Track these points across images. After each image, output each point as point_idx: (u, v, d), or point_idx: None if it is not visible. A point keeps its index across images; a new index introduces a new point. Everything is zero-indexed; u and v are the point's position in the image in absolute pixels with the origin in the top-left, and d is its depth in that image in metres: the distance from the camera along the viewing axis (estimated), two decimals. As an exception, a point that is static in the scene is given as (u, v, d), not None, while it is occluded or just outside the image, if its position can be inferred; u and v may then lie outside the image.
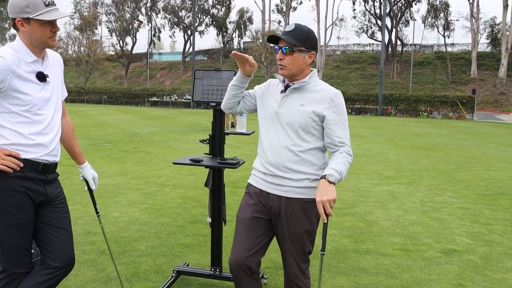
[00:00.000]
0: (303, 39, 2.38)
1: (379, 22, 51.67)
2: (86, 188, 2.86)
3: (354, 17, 58.05)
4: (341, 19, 57.51)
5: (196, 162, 3.31)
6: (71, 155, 2.74)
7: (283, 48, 2.39)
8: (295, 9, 56.06)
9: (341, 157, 2.37)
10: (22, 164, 2.26)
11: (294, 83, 2.46)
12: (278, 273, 3.88)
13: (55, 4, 2.27)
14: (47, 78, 2.35)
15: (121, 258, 4.13)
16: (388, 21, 48.94)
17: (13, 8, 2.22)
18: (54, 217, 2.45)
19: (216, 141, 3.46)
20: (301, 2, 55.87)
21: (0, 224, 2.29)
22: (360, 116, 34.46)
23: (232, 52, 2.48)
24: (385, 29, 43.55)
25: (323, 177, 2.26)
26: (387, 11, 46.81)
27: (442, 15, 52.76)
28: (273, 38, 2.45)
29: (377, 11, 52.81)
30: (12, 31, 65.63)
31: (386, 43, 48.39)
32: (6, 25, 65.39)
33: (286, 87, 2.49)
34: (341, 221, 5.47)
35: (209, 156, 3.49)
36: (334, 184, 2.24)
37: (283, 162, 2.44)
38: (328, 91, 2.44)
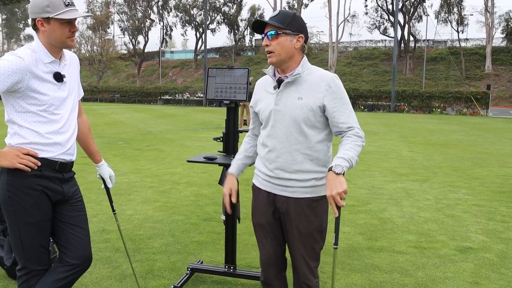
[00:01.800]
0: (288, 22, 2.27)
1: (391, 18, 51.26)
2: (102, 186, 2.88)
3: (366, 13, 57.67)
4: (353, 16, 57.04)
5: (210, 160, 3.33)
6: (88, 154, 2.76)
7: (268, 33, 2.29)
8: (306, 6, 55.94)
9: (349, 142, 2.27)
10: (39, 163, 2.29)
11: (287, 76, 2.33)
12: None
13: (74, 5, 2.30)
14: (64, 79, 2.37)
15: (136, 256, 4.16)
16: (400, 17, 48.56)
17: (34, 8, 2.25)
18: (72, 215, 2.48)
19: (229, 139, 3.46)
20: (312, -1, 55.77)
21: (19, 222, 2.32)
22: (373, 113, 34.27)
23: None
24: (398, 25, 43.20)
25: (330, 169, 2.18)
26: (400, 6, 46.41)
27: (455, 9, 52.21)
28: (257, 25, 2.35)
29: (389, 7, 52.44)
30: (27, 31, 66.44)
31: (399, 39, 48.00)
32: (21, 26, 66.15)
33: (279, 81, 2.36)
34: (354, 219, 5.45)
35: (223, 154, 3.50)
36: (343, 174, 2.16)
37: (287, 164, 2.34)
38: (323, 77, 2.30)
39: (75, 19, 2.31)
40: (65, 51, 2.46)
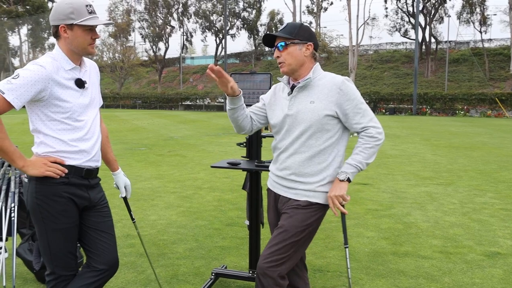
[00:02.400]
0: (296, 32, 2.40)
1: (412, 20, 50.74)
2: (120, 195, 2.92)
3: (386, 15, 57.24)
4: (373, 18, 56.88)
5: (233, 165, 3.34)
6: (105, 162, 2.80)
7: (278, 45, 2.42)
8: (326, 9, 55.89)
9: (360, 145, 2.40)
10: (67, 170, 2.33)
11: (299, 82, 2.44)
12: (316, 275, 3.87)
13: (96, 13, 2.36)
14: (85, 85, 2.41)
15: (160, 261, 4.19)
16: (421, 19, 48.06)
17: (58, 15, 2.29)
18: (98, 221, 2.52)
19: (253, 144, 3.48)
20: (332, 3, 55.75)
21: (47, 229, 2.36)
22: (395, 116, 33.93)
23: (208, 68, 2.30)
24: (419, 26, 42.77)
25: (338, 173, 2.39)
26: (420, 8, 45.95)
27: (478, 10, 51.36)
28: (268, 40, 2.48)
29: (410, 8, 51.92)
30: (51, 40, 67.76)
31: (420, 41, 47.49)
32: (45, 35, 67.52)
33: (292, 88, 2.47)
34: (378, 223, 5.40)
35: (246, 159, 3.51)
36: (348, 180, 2.36)
37: (296, 166, 2.44)
38: (334, 81, 2.40)
39: (97, 26, 2.36)
40: (85, 58, 2.50)
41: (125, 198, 2.92)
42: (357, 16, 48.83)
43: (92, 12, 2.32)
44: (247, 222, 3.62)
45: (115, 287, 3.64)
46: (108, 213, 2.59)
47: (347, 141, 2.51)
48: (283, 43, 2.40)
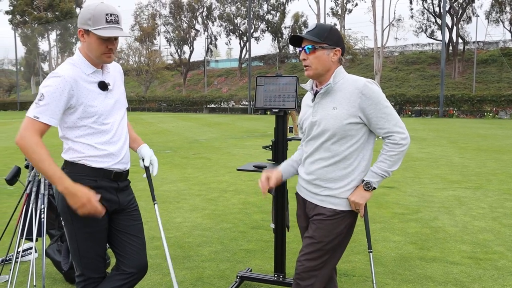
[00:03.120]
0: (325, 36, 2.33)
1: (438, 20, 49.93)
2: (144, 175, 2.80)
3: (412, 16, 56.56)
4: (398, 19, 56.11)
5: (259, 168, 3.34)
6: (130, 144, 2.71)
7: (305, 47, 2.35)
8: (350, 11, 55.34)
9: (384, 152, 2.36)
10: (103, 213, 2.32)
11: (321, 88, 2.40)
12: (341, 280, 3.83)
13: (118, 23, 2.29)
14: (108, 87, 2.40)
15: (185, 263, 4.22)
16: (448, 19, 47.21)
17: (80, 18, 2.29)
18: (128, 224, 2.53)
19: (279, 147, 3.47)
20: (356, 4, 55.14)
21: (76, 231, 2.39)
22: (421, 118, 33.43)
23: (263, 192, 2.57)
24: (445, 27, 42.07)
25: (362, 181, 2.37)
26: (447, 8, 45.20)
27: (508, 8, 50.26)
28: (295, 40, 2.42)
29: (436, 9, 51.09)
30: (78, 45, 69.10)
31: (447, 41, 46.70)
32: (73, 40, 68.89)
33: (315, 94, 2.43)
34: (405, 227, 5.32)
35: (272, 162, 3.51)
36: (373, 189, 2.37)
37: (320, 171, 2.42)
38: (356, 84, 2.32)
39: (116, 37, 2.31)
40: None
41: (148, 176, 2.78)
42: (382, 17, 48.32)
43: (111, 22, 2.25)
44: (272, 226, 3.61)
45: (142, 289, 3.67)
46: (137, 216, 2.60)
47: (373, 144, 2.46)
48: (310, 46, 2.34)
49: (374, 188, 2.37)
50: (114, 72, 2.51)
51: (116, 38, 2.32)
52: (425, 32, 53.94)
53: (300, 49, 2.39)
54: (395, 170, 2.40)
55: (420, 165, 9.97)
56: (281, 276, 3.57)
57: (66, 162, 2.41)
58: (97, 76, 2.37)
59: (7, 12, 68.13)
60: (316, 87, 2.46)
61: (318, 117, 2.39)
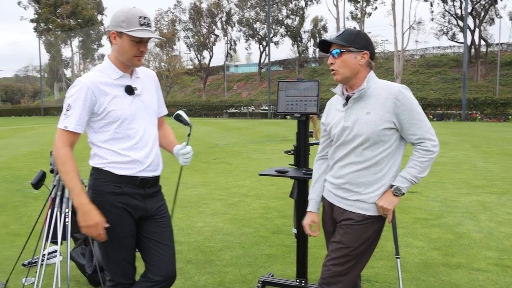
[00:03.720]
0: (352, 39, 2.33)
1: (460, 22, 49.25)
2: (185, 145, 2.69)
3: (432, 19, 55.92)
4: (419, 22, 55.10)
5: (281, 173, 3.34)
6: (166, 147, 2.75)
7: (333, 51, 2.36)
8: (370, 15, 54.92)
9: (415, 158, 2.35)
10: (104, 239, 2.35)
11: (354, 93, 2.38)
12: (364, 285, 3.80)
13: (150, 26, 2.34)
14: (135, 91, 2.40)
15: (207, 268, 4.23)
16: (470, 21, 46.52)
17: (112, 21, 2.32)
18: (156, 231, 2.50)
19: (301, 152, 3.46)
20: (376, 8, 54.70)
21: (107, 238, 2.40)
22: (443, 122, 32.98)
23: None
24: (467, 29, 41.48)
25: (391, 186, 2.36)
26: (469, 10, 44.57)
27: (532, 11, 49.28)
28: (323, 45, 2.43)
29: (458, 11, 50.40)
30: (100, 51, 70.05)
31: (469, 44, 46.02)
32: (95, 46, 69.97)
33: (347, 98, 2.42)
34: (428, 233, 5.25)
35: (294, 167, 3.50)
36: (398, 196, 2.35)
37: (350, 176, 2.40)
38: (390, 90, 2.32)
39: (147, 40, 2.35)
40: (142, 67, 2.51)
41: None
42: (402, 20, 47.99)
43: (144, 24, 2.30)
44: (294, 231, 3.60)
45: None
46: (166, 223, 2.56)
47: (403, 150, 2.44)
48: (338, 50, 2.34)
49: (403, 194, 2.35)
50: (144, 78, 2.52)
51: (147, 41, 2.35)
52: (446, 35, 53.25)
53: (329, 54, 2.39)
54: (423, 177, 2.38)
55: (442, 170, 9.83)
56: (303, 282, 3.56)
57: (92, 168, 2.42)
58: (124, 80, 2.39)
59: (32, 20, 69.60)
60: (347, 91, 2.45)
61: (350, 122, 2.37)
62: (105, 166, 2.37)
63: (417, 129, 2.32)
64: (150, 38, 2.34)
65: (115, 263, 2.44)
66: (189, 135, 2.63)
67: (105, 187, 2.36)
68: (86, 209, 2.27)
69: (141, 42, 2.33)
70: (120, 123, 2.35)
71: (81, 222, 2.29)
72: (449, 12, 51.82)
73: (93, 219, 2.28)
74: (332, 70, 2.39)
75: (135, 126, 2.39)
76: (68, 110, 2.29)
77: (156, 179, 2.52)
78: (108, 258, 2.44)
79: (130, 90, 2.39)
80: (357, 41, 2.34)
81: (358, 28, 54.74)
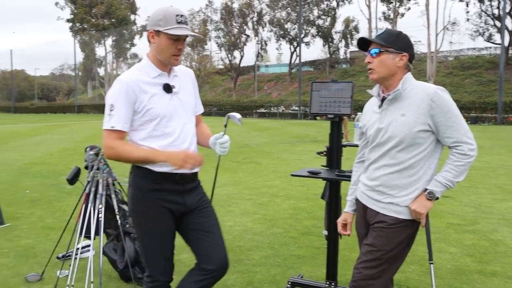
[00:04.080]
0: (392, 40, 2.31)
1: (497, 23, 47.96)
2: (222, 134, 2.66)
3: (468, 19, 54.43)
4: (454, 23, 53.94)
5: (314, 174, 3.32)
6: (204, 143, 2.74)
7: (371, 50, 2.34)
8: (403, 15, 54.01)
9: (451, 162, 2.29)
10: (203, 163, 2.37)
11: (389, 94, 2.35)
12: (395, 290, 3.74)
13: (187, 24, 2.36)
14: (173, 89, 2.43)
15: (236, 267, 4.24)
16: (508, 21, 45.25)
17: (150, 20, 2.36)
18: (201, 221, 2.51)
19: (333, 153, 3.44)
20: (409, 8, 53.80)
21: (143, 233, 2.45)
22: (477, 126, 32.20)
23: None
24: (505, 30, 40.37)
25: (425, 190, 2.31)
26: (507, 10, 43.35)
27: None
28: (362, 43, 2.40)
29: (495, 11, 49.09)
30: (133, 50, 71.23)
31: (506, 45, 44.78)
32: (128, 46, 71.19)
33: (383, 100, 2.39)
34: (461, 239, 5.13)
35: (326, 168, 3.48)
36: (432, 200, 2.30)
37: (384, 178, 2.37)
38: (426, 91, 2.27)
39: (185, 38, 2.37)
40: (179, 66, 2.53)
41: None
42: (436, 21, 47.10)
43: (181, 23, 2.32)
44: (325, 232, 3.58)
45: None
46: (209, 213, 2.57)
47: (440, 153, 2.39)
48: (376, 50, 2.32)
49: (437, 198, 2.30)
50: (183, 76, 2.55)
51: (184, 39, 2.37)
52: (482, 36, 51.92)
53: (367, 53, 2.38)
54: (459, 181, 2.32)
55: (476, 174, 9.59)
56: (333, 284, 3.53)
57: (132, 165, 2.46)
58: (162, 79, 2.42)
59: (68, 20, 71.33)
60: (383, 93, 2.42)
61: (385, 123, 2.35)
62: (144, 163, 2.40)
63: (453, 132, 2.26)
64: (187, 36, 2.36)
65: (153, 259, 2.46)
66: (225, 126, 2.62)
67: (145, 184, 2.39)
68: (169, 155, 2.32)
69: (179, 40, 2.35)
70: (158, 120, 2.37)
71: (176, 164, 2.30)
72: (485, 12, 50.52)
73: (180, 154, 2.32)
74: (369, 69, 2.37)
75: (173, 124, 2.42)
76: (112, 110, 2.32)
77: (195, 175, 2.54)
78: (147, 254, 2.47)
79: (168, 88, 2.42)
80: (397, 42, 2.31)
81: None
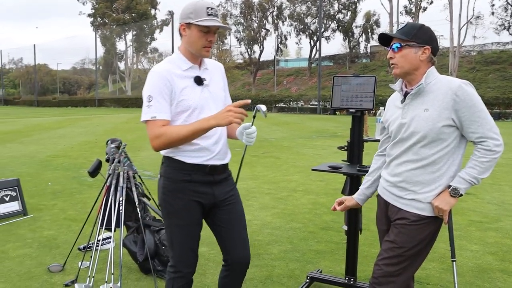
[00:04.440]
0: (414, 33, 2.25)
1: (523, 17, 46.89)
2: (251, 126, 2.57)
3: (493, 13, 53.31)
4: (478, 17, 52.89)
5: (334, 169, 3.30)
6: (232, 135, 2.71)
7: (393, 45, 2.30)
8: (425, 9, 53.17)
9: (475, 158, 2.23)
10: (247, 114, 2.33)
11: (412, 89, 2.31)
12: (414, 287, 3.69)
13: (217, 16, 2.39)
14: (204, 82, 2.47)
15: (255, 261, 4.24)
16: (534, 16, 44.14)
17: (181, 14, 2.40)
18: (225, 216, 2.55)
19: (354, 148, 3.41)
20: (431, 2, 52.87)
21: (170, 223, 2.49)
22: (500, 122, 31.62)
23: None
24: (531, 25, 39.41)
25: (449, 187, 2.26)
26: (534, 4, 42.29)
27: None
28: (384, 39, 2.37)
29: (522, 5, 48.00)
30: (153, 44, 71.75)
31: (532, 41, 43.72)
32: (148, 40, 71.67)
33: (405, 95, 2.35)
34: (483, 236, 5.05)
35: (347, 163, 3.45)
36: (456, 197, 2.26)
37: (406, 174, 2.34)
38: (450, 85, 2.21)
39: (215, 30, 2.40)
40: (208, 59, 2.57)
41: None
42: (459, 15, 46.19)
43: (211, 15, 2.35)
44: (345, 227, 3.55)
45: (212, 284, 3.73)
46: (234, 209, 2.59)
47: (464, 149, 2.33)
48: (398, 45, 2.29)
49: (461, 195, 2.25)
50: (213, 70, 2.58)
51: (215, 32, 2.40)
52: (508, 30, 50.81)
53: (389, 48, 2.34)
54: (484, 178, 2.27)
55: (499, 171, 9.42)
56: (352, 280, 3.51)
57: (164, 156, 2.51)
58: (193, 71, 2.46)
59: (89, 15, 72.12)
60: (406, 87, 2.38)
61: (408, 118, 2.31)
62: (175, 155, 2.44)
63: (478, 127, 2.20)
64: (218, 29, 2.39)
65: (179, 250, 2.50)
66: (254, 117, 2.62)
67: (176, 175, 2.44)
68: (213, 117, 2.30)
69: (209, 32, 2.38)
70: (190, 112, 2.41)
71: (226, 122, 2.28)
72: (511, 5, 49.44)
73: (223, 112, 2.29)
74: (392, 64, 2.33)
75: (204, 116, 2.43)
76: (150, 101, 2.34)
77: (225, 166, 2.57)
78: (173, 244, 2.51)
79: (199, 81, 2.45)
80: (419, 35, 2.26)
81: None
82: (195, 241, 2.53)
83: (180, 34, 2.44)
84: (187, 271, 2.54)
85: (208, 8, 2.35)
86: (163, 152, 2.49)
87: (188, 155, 2.43)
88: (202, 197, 2.47)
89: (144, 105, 2.36)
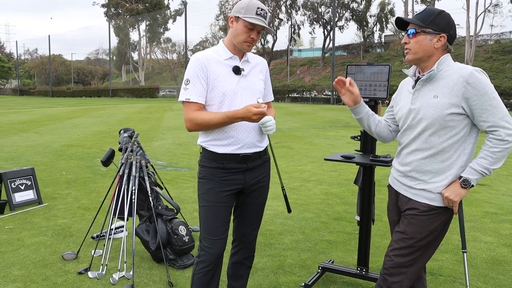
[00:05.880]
0: (430, 20, 2.20)
1: (542, 6, 45.91)
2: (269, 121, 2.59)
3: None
4: (496, 5, 52.01)
5: (347, 159, 3.27)
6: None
7: (408, 30, 2.26)
8: (441, -2, 52.53)
9: (487, 148, 2.18)
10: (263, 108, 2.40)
11: (423, 74, 2.27)
12: (427, 278, 3.67)
13: (265, 18, 2.53)
14: (242, 72, 2.56)
15: (267, 250, 4.25)
16: (554, 4, 43.26)
17: (235, 7, 2.55)
18: (247, 201, 2.72)
19: (368, 138, 3.37)
20: (448, -10, 52.14)
21: (204, 205, 2.62)
22: (517, 112, 31.21)
23: (335, 82, 2.47)
24: (550, 14, 38.58)
25: (460, 177, 2.22)
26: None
27: None
28: (401, 23, 2.32)
29: (541, -7, 47.00)
30: (166, 34, 71.81)
31: (550, 30, 42.89)
32: (161, 30, 71.73)
33: (417, 81, 2.31)
34: (497, 228, 4.99)
35: (360, 153, 3.42)
36: (467, 188, 2.21)
37: (416, 163, 2.31)
38: (461, 72, 2.16)
39: (259, 29, 2.52)
40: (251, 54, 2.69)
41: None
42: (477, 3, 45.42)
43: (260, 15, 2.49)
44: (357, 218, 3.53)
45: (223, 275, 3.73)
46: (258, 194, 2.72)
47: (475, 138, 2.27)
48: (413, 30, 2.24)
49: (472, 186, 2.21)
50: (254, 63, 2.69)
51: (259, 31, 2.53)
52: (526, 19, 49.81)
53: (405, 33, 2.30)
54: (496, 169, 2.22)
55: (516, 162, 9.30)
56: (364, 270, 3.49)
57: (200, 147, 2.65)
58: (233, 61, 2.58)
59: (103, 6, 72.38)
60: (419, 73, 2.34)
61: (417, 104, 2.28)
62: (208, 145, 2.57)
63: (490, 115, 2.14)
64: (262, 29, 2.53)
65: (209, 231, 2.60)
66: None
67: (210, 163, 2.58)
68: (240, 111, 2.41)
69: (253, 30, 2.51)
70: (223, 99, 2.52)
71: (250, 119, 2.41)
72: (530, -6, 48.41)
73: (244, 109, 2.39)
74: (406, 49, 2.30)
75: (237, 104, 2.53)
76: (187, 84, 2.52)
77: (258, 153, 2.65)
78: (204, 226, 2.62)
79: (237, 70, 2.57)
80: (436, 22, 2.21)
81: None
82: (225, 223, 2.62)
83: (228, 26, 2.57)
84: (216, 252, 2.61)
85: (258, 8, 2.50)
86: (198, 141, 2.67)
87: (219, 145, 2.55)
88: (234, 183, 2.59)
89: (182, 88, 2.54)
